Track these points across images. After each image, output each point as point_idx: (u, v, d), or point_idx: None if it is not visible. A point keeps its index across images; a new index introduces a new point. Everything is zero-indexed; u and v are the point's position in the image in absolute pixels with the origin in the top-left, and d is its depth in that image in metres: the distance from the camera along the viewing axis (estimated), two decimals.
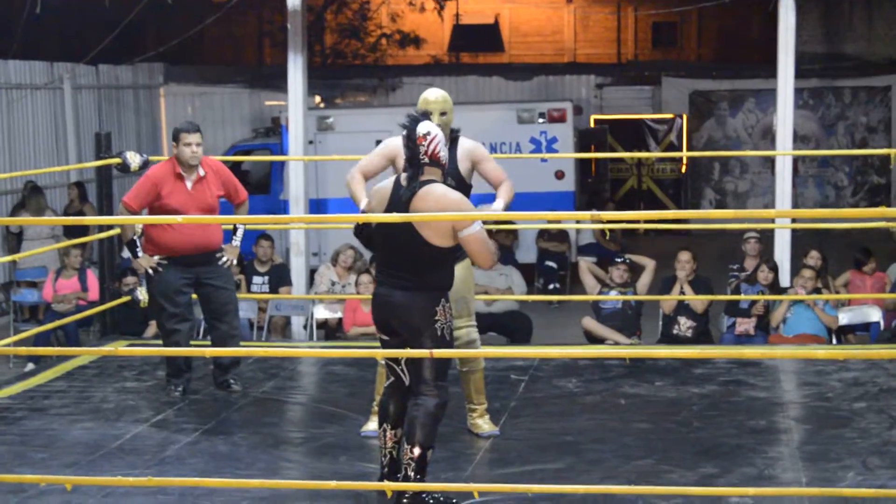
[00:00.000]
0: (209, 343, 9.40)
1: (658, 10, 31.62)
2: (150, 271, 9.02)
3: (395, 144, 7.38)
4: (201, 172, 8.99)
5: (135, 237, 9.01)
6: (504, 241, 16.63)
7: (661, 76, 24.79)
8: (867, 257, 13.10)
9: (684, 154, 23.94)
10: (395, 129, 18.83)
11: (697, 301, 11.73)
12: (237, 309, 9.38)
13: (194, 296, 9.21)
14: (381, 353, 7.18)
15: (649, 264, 12.32)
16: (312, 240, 15.82)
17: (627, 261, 12.30)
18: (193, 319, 9.32)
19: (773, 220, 12.46)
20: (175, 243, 8.87)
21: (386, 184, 6.65)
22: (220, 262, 9.08)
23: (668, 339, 11.79)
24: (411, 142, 6.49)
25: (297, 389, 9.14)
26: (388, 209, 6.48)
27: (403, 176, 6.56)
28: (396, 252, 6.47)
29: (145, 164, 10.27)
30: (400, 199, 6.44)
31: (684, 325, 11.78)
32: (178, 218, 8.56)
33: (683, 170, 24.07)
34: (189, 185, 8.93)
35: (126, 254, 9.23)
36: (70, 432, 7.98)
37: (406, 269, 6.44)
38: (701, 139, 24.09)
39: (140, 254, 9.01)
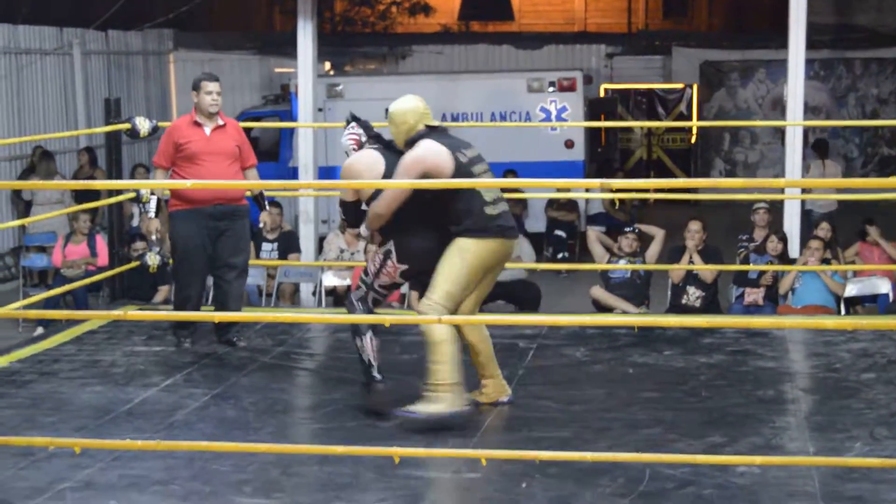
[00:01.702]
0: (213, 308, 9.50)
1: None
2: (153, 236, 9.23)
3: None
4: (220, 122, 9.21)
5: (156, 196, 9.28)
6: (514, 210, 16.60)
7: (671, 46, 24.72)
8: (870, 225, 13.09)
9: (694, 124, 23.91)
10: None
11: (707, 271, 11.72)
12: (246, 272, 9.52)
13: None
14: (388, 320, 7.21)
15: (659, 234, 12.32)
16: (321, 207, 15.82)
17: (636, 230, 12.30)
18: (207, 274, 9.42)
19: (782, 191, 12.43)
20: (197, 194, 9.02)
21: (372, 158, 7.41)
22: (260, 227, 9.69)
23: (677, 308, 11.79)
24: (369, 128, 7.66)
25: (305, 355, 9.15)
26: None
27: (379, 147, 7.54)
28: None
29: (154, 130, 10.33)
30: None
31: (693, 294, 11.78)
32: (188, 183, 8.65)
33: (693, 140, 24.03)
34: (207, 131, 9.13)
35: (151, 211, 9.32)
36: (79, 396, 8.00)
37: None
38: (711, 109, 24.04)
39: (152, 215, 9.15)
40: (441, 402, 7.15)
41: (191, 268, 9.20)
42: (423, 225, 7.33)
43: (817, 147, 18.91)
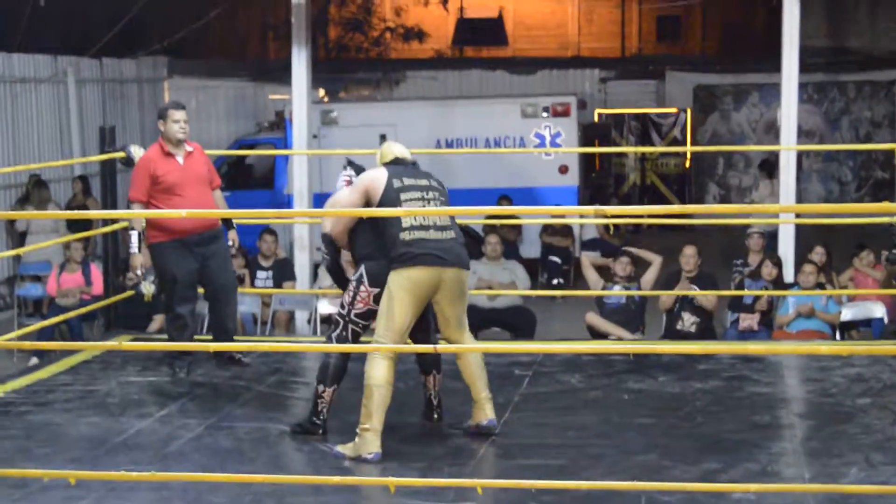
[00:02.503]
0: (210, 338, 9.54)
1: (662, 4, 31.65)
2: (139, 271, 9.29)
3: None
4: (188, 149, 9.30)
5: (136, 230, 9.31)
6: (508, 236, 16.63)
7: (665, 70, 24.79)
8: (861, 251, 13.10)
9: (688, 149, 23.94)
10: (398, 123, 18.92)
11: (704, 298, 11.72)
12: (236, 290, 9.72)
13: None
14: (384, 348, 7.21)
15: (656, 260, 12.31)
16: (316, 234, 15.80)
17: (630, 254, 12.27)
18: (198, 300, 9.54)
19: (777, 215, 12.44)
20: (182, 224, 9.09)
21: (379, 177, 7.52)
22: (230, 245, 9.58)
23: (672, 334, 11.78)
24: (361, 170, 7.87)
25: (300, 384, 9.14)
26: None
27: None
28: None
29: None
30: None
31: (688, 320, 11.77)
32: (182, 212, 8.68)
33: (687, 165, 24.07)
34: (180, 160, 9.22)
35: (133, 246, 9.36)
36: (74, 427, 7.98)
37: None
38: (705, 134, 24.09)
39: (135, 250, 9.25)
40: (360, 444, 7.25)
41: (184, 296, 9.27)
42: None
43: (764, 166, 19.49)
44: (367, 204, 7.49)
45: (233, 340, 9.49)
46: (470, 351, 7.68)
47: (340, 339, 7.58)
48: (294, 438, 7.69)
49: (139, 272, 9.52)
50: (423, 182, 7.60)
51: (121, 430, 7.87)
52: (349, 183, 7.90)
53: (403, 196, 7.46)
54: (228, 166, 19.09)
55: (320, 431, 7.65)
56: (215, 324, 9.57)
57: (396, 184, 7.49)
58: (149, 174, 9.15)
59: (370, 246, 7.54)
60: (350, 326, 7.59)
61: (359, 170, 7.97)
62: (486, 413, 7.73)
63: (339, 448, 7.32)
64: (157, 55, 22.06)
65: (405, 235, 7.34)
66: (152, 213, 9.11)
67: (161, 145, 9.27)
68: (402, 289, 7.33)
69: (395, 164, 7.66)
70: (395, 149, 7.78)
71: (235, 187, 18.13)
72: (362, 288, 7.52)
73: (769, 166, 19.56)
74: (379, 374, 7.28)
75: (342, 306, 7.62)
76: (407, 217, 7.37)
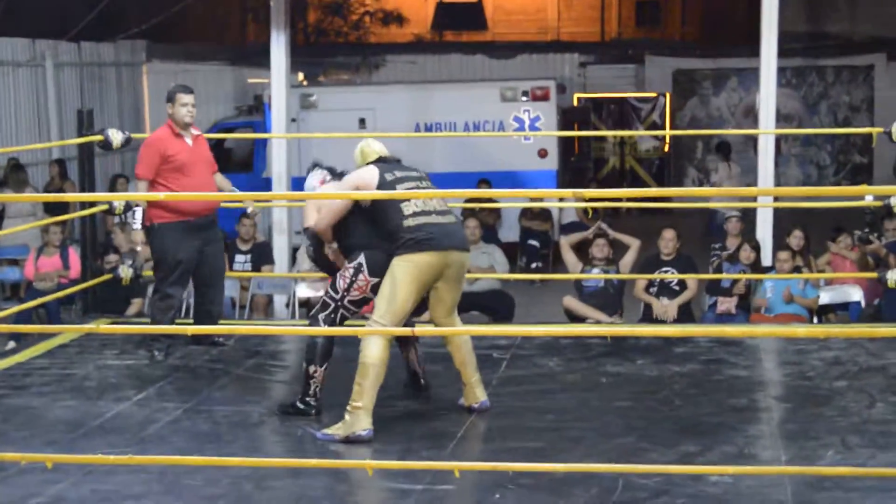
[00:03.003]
0: (191, 321, 9.53)
1: None
2: (138, 247, 9.34)
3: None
4: (195, 132, 9.43)
5: (140, 207, 9.33)
6: (487, 220, 16.62)
7: (644, 55, 24.79)
8: (838, 234, 13.14)
9: (667, 132, 23.96)
10: (377, 107, 18.85)
11: (689, 280, 11.75)
12: (224, 276, 9.90)
13: None
14: (361, 332, 7.21)
15: (634, 244, 12.33)
16: (295, 218, 15.79)
17: (606, 234, 12.28)
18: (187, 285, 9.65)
19: (755, 199, 12.46)
20: (188, 206, 9.19)
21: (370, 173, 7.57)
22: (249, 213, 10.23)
23: (651, 318, 11.81)
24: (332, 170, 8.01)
25: (278, 368, 9.13)
26: None
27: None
28: None
29: (127, 142, 10.35)
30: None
31: (665, 304, 11.79)
32: (160, 195, 8.68)
33: (666, 149, 24.09)
34: (189, 142, 9.32)
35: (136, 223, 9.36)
36: (51, 410, 7.97)
37: None
38: (684, 118, 24.11)
39: (138, 226, 9.32)
40: (352, 422, 7.24)
41: (181, 278, 9.35)
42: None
43: (720, 149, 20.14)
44: (357, 201, 7.51)
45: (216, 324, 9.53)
46: (455, 334, 7.70)
47: (329, 322, 7.57)
48: (277, 421, 7.68)
49: (138, 248, 9.57)
50: (415, 173, 7.65)
51: (98, 413, 7.86)
52: (322, 181, 7.97)
53: (399, 187, 7.47)
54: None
55: (314, 412, 7.64)
56: (202, 308, 9.60)
57: (389, 177, 7.51)
58: (159, 153, 9.19)
59: (368, 237, 7.54)
60: (341, 311, 7.58)
61: (329, 169, 8.05)
62: (476, 396, 7.80)
63: (327, 431, 7.30)
64: (135, 39, 21.99)
65: (409, 222, 7.36)
66: (129, 196, 9.15)
67: (171, 126, 9.33)
68: (408, 274, 7.33)
69: (381, 162, 7.67)
70: (375, 147, 7.79)
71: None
72: (361, 276, 7.51)
73: (725, 149, 20.19)
74: (375, 352, 7.29)
75: (335, 290, 7.59)
76: (408, 205, 7.39)
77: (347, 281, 7.54)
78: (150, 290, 12.71)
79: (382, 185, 7.45)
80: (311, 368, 7.63)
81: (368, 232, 7.56)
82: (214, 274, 9.57)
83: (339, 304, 7.57)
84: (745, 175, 22.95)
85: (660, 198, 18.74)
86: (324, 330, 7.52)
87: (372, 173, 7.53)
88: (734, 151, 23.05)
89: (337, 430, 7.26)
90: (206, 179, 9.33)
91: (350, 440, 7.16)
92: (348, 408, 7.26)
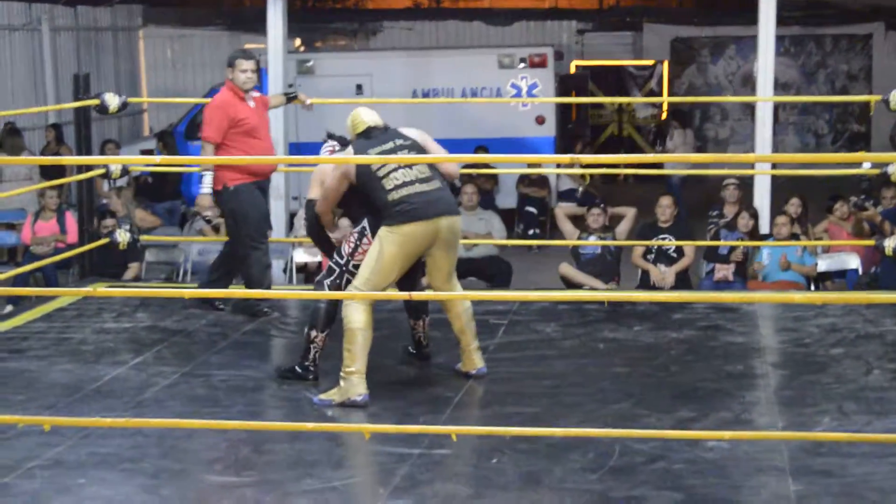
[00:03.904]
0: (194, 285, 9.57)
1: None
2: (208, 212, 9.42)
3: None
4: (255, 94, 9.51)
5: (210, 172, 9.36)
6: (484, 186, 16.61)
7: (642, 22, 24.71)
8: (835, 202, 13.14)
9: (665, 100, 23.92)
10: (375, 73, 18.80)
11: (686, 249, 11.75)
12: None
13: None
14: (359, 296, 7.20)
15: (629, 213, 12.31)
16: (292, 183, 15.78)
17: (602, 204, 12.28)
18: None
19: (752, 166, 12.46)
20: (259, 168, 9.42)
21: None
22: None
23: (647, 286, 11.81)
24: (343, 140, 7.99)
25: (275, 332, 9.14)
26: None
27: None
28: None
29: (124, 106, 10.33)
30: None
31: (663, 271, 11.79)
32: (156, 158, 8.67)
33: (664, 116, 24.05)
34: (252, 104, 9.43)
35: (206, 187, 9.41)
36: (49, 374, 7.97)
37: None
38: (682, 86, 24.06)
39: (208, 190, 9.38)
40: (347, 387, 7.24)
41: (265, 236, 9.59)
42: None
43: (676, 116, 20.69)
44: (350, 184, 7.54)
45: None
46: (456, 299, 7.71)
47: (334, 287, 7.58)
48: (274, 385, 7.69)
49: (207, 213, 9.62)
50: (389, 146, 7.52)
51: (96, 377, 7.86)
52: (332, 152, 7.97)
53: (380, 172, 7.42)
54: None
55: (312, 377, 7.67)
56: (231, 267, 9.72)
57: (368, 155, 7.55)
58: (228, 117, 9.24)
59: (366, 207, 7.55)
60: (346, 276, 7.60)
61: (340, 139, 8.04)
62: (475, 363, 7.81)
63: (323, 396, 7.31)
64: (131, 3, 21.91)
65: (393, 195, 7.34)
66: (120, 158, 9.13)
67: (233, 90, 9.37)
68: (394, 244, 7.33)
69: (368, 135, 7.62)
70: (365, 117, 7.73)
71: None
72: (365, 240, 7.52)
73: (682, 116, 20.45)
74: (360, 317, 7.29)
75: (340, 255, 7.62)
76: (389, 181, 7.37)
77: (352, 245, 7.56)
78: (145, 254, 12.76)
79: (360, 174, 7.45)
80: (313, 333, 7.64)
81: (364, 206, 7.59)
82: (265, 239, 9.70)
83: (345, 268, 7.58)
84: (742, 143, 23.01)
85: (657, 165, 18.70)
86: (321, 294, 7.53)
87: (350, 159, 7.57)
88: (731, 119, 23.10)
89: (332, 396, 7.27)
90: (269, 142, 9.54)
91: (346, 405, 7.17)
92: (342, 374, 7.27)
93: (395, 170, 7.39)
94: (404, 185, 7.39)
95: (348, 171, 7.48)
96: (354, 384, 7.22)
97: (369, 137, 7.60)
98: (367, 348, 7.31)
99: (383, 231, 7.36)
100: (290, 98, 10.22)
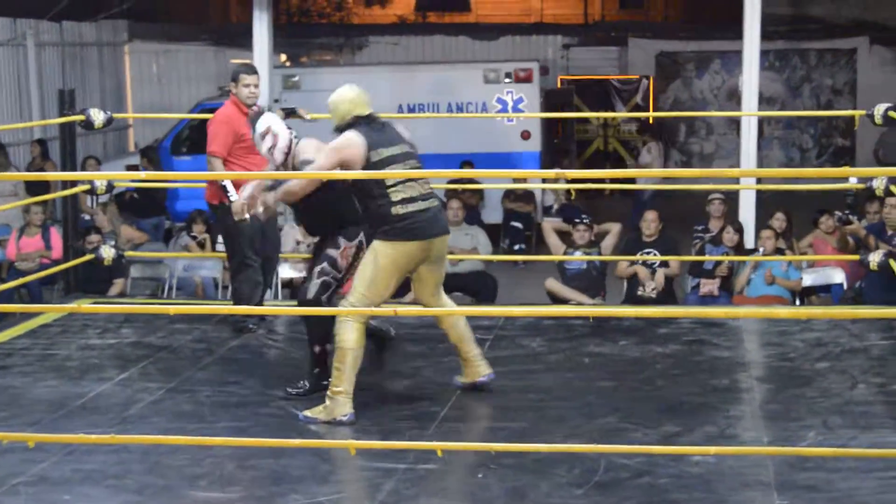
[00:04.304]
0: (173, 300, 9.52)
1: None
2: (246, 215, 9.35)
3: None
4: (256, 110, 9.31)
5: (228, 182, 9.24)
6: (470, 201, 16.62)
7: (627, 37, 24.78)
8: (821, 216, 13.18)
9: (650, 115, 23.97)
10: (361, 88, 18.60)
11: (671, 262, 11.78)
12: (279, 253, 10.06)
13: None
14: (343, 312, 7.18)
15: (614, 228, 12.34)
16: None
17: (587, 220, 12.29)
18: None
19: (737, 181, 12.48)
20: None
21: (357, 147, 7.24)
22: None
23: (633, 300, 11.82)
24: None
25: (261, 348, 9.12)
26: None
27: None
28: None
29: (109, 122, 10.32)
30: None
31: (649, 286, 11.80)
32: (142, 174, 8.64)
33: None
34: None
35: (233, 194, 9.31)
36: (33, 390, 7.94)
37: None
38: (667, 100, 24.13)
39: (235, 197, 9.16)
40: (333, 406, 7.21)
41: (254, 252, 9.37)
42: None
43: (648, 129, 21.50)
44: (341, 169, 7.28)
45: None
46: (437, 315, 7.69)
47: (332, 302, 7.59)
48: (261, 401, 7.66)
49: (246, 216, 9.43)
50: (398, 150, 7.33)
51: (80, 393, 7.84)
52: (269, 132, 7.74)
53: (388, 168, 7.26)
54: (191, 130, 18.96)
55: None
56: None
57: (374, 157, 7.24)
58: (233, 131, 9.19)
59: (357, 213, 7.52)
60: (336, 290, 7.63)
61: (289, 112, 8.25)
62: (480, 370, 7.75)
63: (308, 413, 7.28)
64: (117, 19, 21.91)
65: (397, 209, 7.19)
66: (108, 175, 9.10)
67: (238, 105, 9.32)
68: (392, 262, 7.23)
69: (368, 125, 7.34)
70: (356, 98, 7.42)
71: (198, 151, 18.01)
72: (363, 254, 7.49)
73: (652, 129, 21.04)
74: (352, 337, 7.21)
75: (337, 269, 7.62)
76: (395, 193, 7.19)
77: (349, 260, 7.54)
78: (130, 270, 12.75)
79: (369, 164, 7.20)
80: (317, 349, 7.66)
81: (355, 207, 7.49)
82: (273, 249, 9.66)
83: (341, 283, 7.57)
84: (727, 157, 23.08)
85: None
86: (311, 310, 7.50)
87: (359, 149, 7.22)
88: (716, 134, 23.15)
89: (318, 414, 7.23)
90: (264, 162, 9.36)
91: (332, 424, 7.15)
92: (328, 393, 7.24)
93: (403, 182, 7.24)
94: (411, 200, 7.25)
95: (352, 158, 7.20)
96: (341, 403, 7.19)
97: (372, 128, 7.34)
98: (356, 368, 7.25)
99: (379, 245, 7.24)
100: (289, 113, 10.06)
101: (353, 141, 7.25)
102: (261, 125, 7.76)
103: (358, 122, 7.34)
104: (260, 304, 9.48)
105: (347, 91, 7.47)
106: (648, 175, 12.69)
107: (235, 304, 9.43)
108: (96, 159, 17.66)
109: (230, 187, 9.18)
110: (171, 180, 14.41)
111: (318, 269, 7.68)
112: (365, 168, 7.18)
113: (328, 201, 7.61)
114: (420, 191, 7.31)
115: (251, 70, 9.44)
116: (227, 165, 9.24)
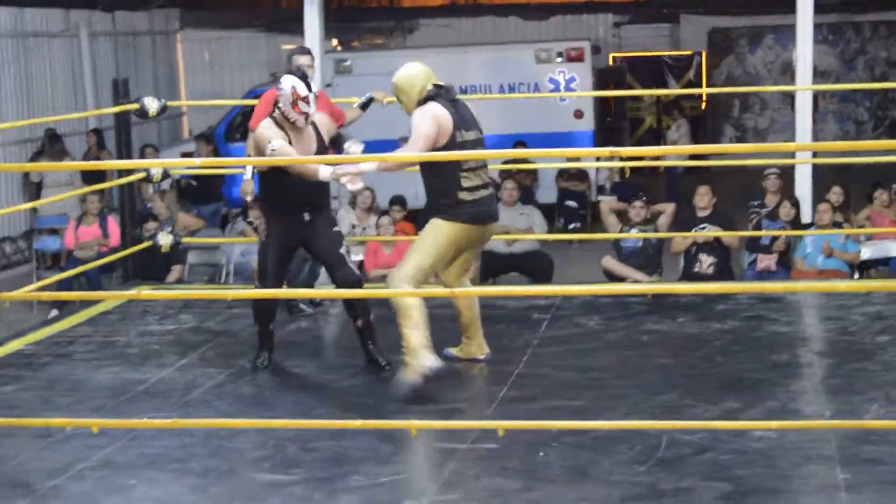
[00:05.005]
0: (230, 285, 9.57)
1: None
2: (248, 197, 9.38)
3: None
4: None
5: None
6: (524, 181, 16.60)
7: (679, 13, 24.64)
8: (875, 190, 13.08)
9: (704, 91, 23.86)
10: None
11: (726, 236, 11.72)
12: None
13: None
14: (401, 294, 7.21)
15: (668, 208, 12.28)
16: (332, 183, 15.81)
17: (643, 196, 12.24)
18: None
19: (793, 155, 12.40)
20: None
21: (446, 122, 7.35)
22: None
23: (690, 276, 11.77)
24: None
25: (320, 332, 9.17)
26: None
27: None
28: None
29: (163, 110, 10.35)
30: None
31: (706, 262, 11.75)
32: (196, 161, 8.68)
33: (703, 107, 23.96)
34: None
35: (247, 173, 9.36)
36: (95, 377, 8.02)
37: None
38: (720, 76, 23.98)
39: (249, 176, 9.25)
40: (416, 364, 7.23)
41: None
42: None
43: (675, 106, 21.52)
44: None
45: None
46: (487, 295, 7.75)
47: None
48: (321, 382, 7.72)
49: (248, 198, 9.46)
50: (473, 136, 7.43)
51: (142, 379, 7.90)
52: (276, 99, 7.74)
53: (465, 163, 7.36)
54: (244, 116, 19.02)
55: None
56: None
57: (458, 138, 7.33)
58: None
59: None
60: None
61: (365, 103, 8.59)
62: (483, 349, 7.97)
63: (401, 379, 7.28)
64: (169, 7, 22.01)
65: (465, 195, 7.36)
66: (163, 162, 9.14)
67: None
68: (453, 241, 7.42)
69: (448, 100, 7.42)
70: (427, 69, 7.57)
71: None
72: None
73: (679, 107, 21.13)
74: (413, 299, 7.27)
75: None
76: (466, 179, 7.33)
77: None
78: (188, 257, 12.83)
79: (452, 143, 7.28)
80: (260, 329, 8.05)
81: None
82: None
83: None
84: (782, 132, 22.92)
85: (697, 157, 18.65)
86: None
87: (449, 125, 7.29)
88: (770, 109, 23.00)
89: (409, 375, 7.24)
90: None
91: (424, 376, 7.18)
92: (405, 355, 7.26)
93: (476, 168, 7.39)
94: (479, 187, 7.44)
95: (443, 134, 7.28)
96: (424, 356, 7.21)
97: (454, 105, 7.42)
98: (423, 321, 7.28)
99: (443, 223, 7.38)
100: (365, 105, 9.78)
101: (444, 115, 7.34)
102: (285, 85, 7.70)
103: (438, 95, 7.43)
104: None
105: (415, 65, 7.61)
106: (703, 151, 12.63)
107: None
108: (154, 147, 17.77)
109: (248, 168, 9.18)
110: (226, 166, 14.46)
111: (343, 250, 7.82)
112: (446, 147, 7.26)
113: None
114: (484, 179, 7.48)
115: (304, 51, 9.35)
116: None
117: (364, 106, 9.44)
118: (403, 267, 7.39)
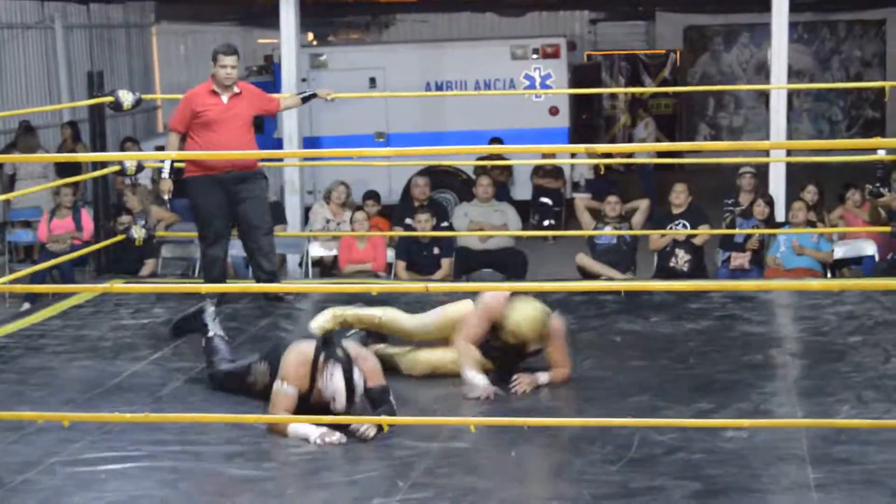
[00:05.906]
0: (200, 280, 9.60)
1: None
2: (166, 195, 9.80)
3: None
4: (236, 90, 9.56)
5: (170, 160, 9.69)
6: (499, 178, 16.60)
7: (655, 11, 24.67)
8: (847, 190, 13.13)
9: (678, 89, 23.89)
10: (388, 66, 18.83)
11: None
12: (272, 227, 10.06)
13: None
14: (376, 288, 7.20)
15: (643, 204, 12.32)
16: (307, 178, 15.80)
17: (617, 192, 12.27)
18: (230, 238, 9.84)
19: (767, 153, 12.43)
20: (212, 161, 9.38)
21: None
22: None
23: (665, 272, 11.79)
24: None
25: (292, 327, 9.14)
26: None
27: None
28: None
29: (138, 103, 10.35)
30: None
31: (682, 258, 11.77)
32: (172, 154, 8.70)
33: (672, 106, 24.01)
34: (224, 99, 9.48)
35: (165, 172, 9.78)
36: (67, 370, 7.98)
37: None
38: (695, 75, 24.02)
39: (166, 176, 9.68)
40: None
41: (216, 231, 9.61)
42: None
43: (639, 104, 21.57)
44: None
45: (273, 278, 9.76)
46: (470, 290, 7.73)
47: None
48: None
49: (166, 196, 9.77)
50: None
51: (114, 373, 7.87)
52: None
53: None
54: None
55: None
56: (254, 263, 9.88)
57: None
58: (190, 108, 9.45)
59: None
60: None
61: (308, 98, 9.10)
62: None
63: None
64: (144, 0, 21.93)
65: None
66: (135, 154, 9.20)
67: (210, 84, 9.55)
68: None
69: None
70: None
71: None
72: None
73: (645, 105, 21.23)
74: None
75: None
76: None
77: None
78: (161, 251, 12.79)
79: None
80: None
81: None
82: (252, 230, 9.68)
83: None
84: (757, 131, 22.96)
85: (671, 154, 18.72)
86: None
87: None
88: (745, 107, 23.06)
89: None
90: (232, 137, 9.39)
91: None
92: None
93: None
94: None
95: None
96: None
97: None
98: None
99: None
100: (307, 98, 10.27)
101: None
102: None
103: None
104: (224, 272, 9.86)
105: None
106: (678, 148, 12.65)
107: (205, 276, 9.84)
108: (135, 141, 17.70)
109: (166, 164, 9.67)
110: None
111: None
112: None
113: None
114: None
115: (229, 50, 9.63)
116: (186, 141, 9.52)
117: (305, 99, 10.12)
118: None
